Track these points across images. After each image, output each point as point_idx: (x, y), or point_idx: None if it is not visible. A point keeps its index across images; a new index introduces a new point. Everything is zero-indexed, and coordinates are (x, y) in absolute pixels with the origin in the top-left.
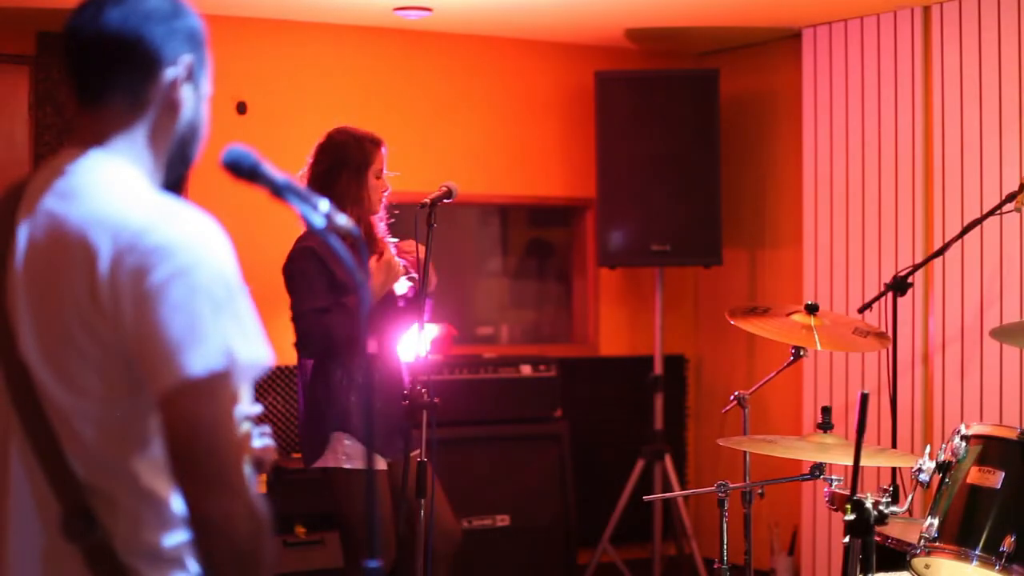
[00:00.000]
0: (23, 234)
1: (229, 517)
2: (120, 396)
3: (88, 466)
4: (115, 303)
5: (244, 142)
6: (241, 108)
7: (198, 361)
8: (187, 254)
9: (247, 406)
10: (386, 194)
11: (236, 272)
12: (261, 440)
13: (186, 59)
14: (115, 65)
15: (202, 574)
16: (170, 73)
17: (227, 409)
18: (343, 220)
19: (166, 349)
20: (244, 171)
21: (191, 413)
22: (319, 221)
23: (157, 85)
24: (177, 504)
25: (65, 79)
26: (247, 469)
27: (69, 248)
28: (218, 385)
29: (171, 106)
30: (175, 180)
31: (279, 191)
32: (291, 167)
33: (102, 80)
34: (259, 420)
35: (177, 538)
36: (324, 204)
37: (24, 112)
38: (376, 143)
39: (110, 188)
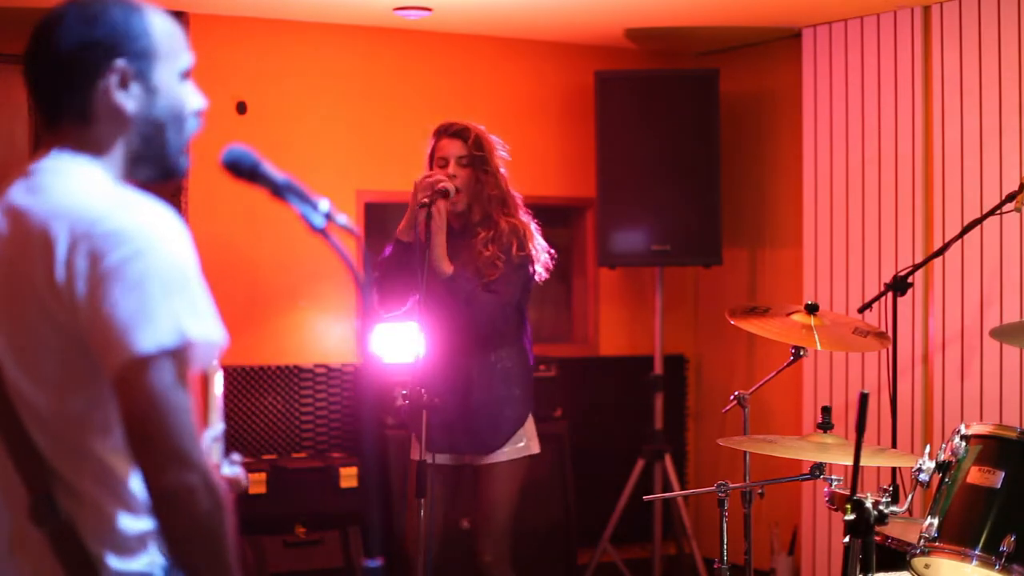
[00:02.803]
0: None
1: (187, 490)
2: (79, 383)
3: (52, 452)
4: (71, 288)
5: (244, 142)
6: (241, 108)
7: (148, 338)
8: (141, 239)
9: (214, 427)
10: (448, 182)
11: (191, 259)
12: (231, 469)
13: (117, 65)
14: (53, 91)
15: (167, 561)
16: (102, 84)
17: (179, 385)
18: (343, 219)
19: (117, 328)
20: (244, 171)
21: (143, 389)
22: (319, 221)
23: (94, 98)
24: (142, 491)
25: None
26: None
27: (30, 238)
28: (169, 361)
29: (114, 113)
30: (161, 171)
31: (279, 191)
32: (291, 167)
33: (48, 105)
34: (228, 449)
35: (142, 525)
36: (324, 204)
37: (24, 112)
38: (438, 133)
39: (71, 182)
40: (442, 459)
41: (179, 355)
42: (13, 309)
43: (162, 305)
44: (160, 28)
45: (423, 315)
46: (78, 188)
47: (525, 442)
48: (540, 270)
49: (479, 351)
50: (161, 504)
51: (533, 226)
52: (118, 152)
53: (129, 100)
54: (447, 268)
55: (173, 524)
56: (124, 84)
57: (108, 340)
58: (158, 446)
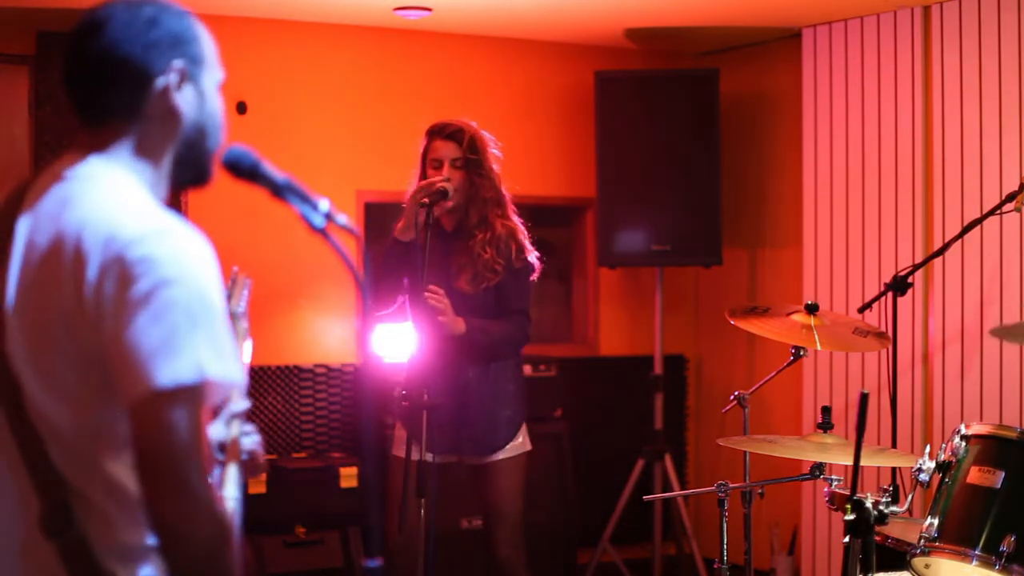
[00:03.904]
0: (22, 235)
1: (190, 525)
2: (97, 399)
3: (65, 463)
4: (98, 309)
5: (244, 142)
6: (241, 108)
7: (167, 373)
8: (171, 268)
9: (236, 403)
10: (445, 183)
11: (218, 291)
12: (250, 441)
13: (176, 65)
14: (106, 89)
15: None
16: (160, 83)
17: (193, 421)
18: (343, 219)
19: (138, 358)
20: (244, 171)
21: (156, 422)
22: (319, 221)
23: (150, 97)
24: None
25: (65, 97)
26: (231, 477)
27: (62, 252)
28: (185, 398)
29: (169, 114)
30: (194, 176)
31: (279, 191)
32: (291, 167)
33: (97, 103)
34: (247, 417)
35: (151, 539)
36: (324, 204)
37: (24, 112)
38: (432, 133)
39: (106, 196)
40: (440, 459)
41: (195, 391)
42: (40, 321)
43: (185, 340)
44: (205, 37)
45: (418, 315)
46: (113, 203)
47: (522, 439)
48: (535, 273)
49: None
50: (164, 537)
51: (523, 228)
52: (164, 154)
53: (183, 101)
54: (461, 328)
55: (175, 558)
56: (180, 85)
57: (128, 369)
58: (165, 479)
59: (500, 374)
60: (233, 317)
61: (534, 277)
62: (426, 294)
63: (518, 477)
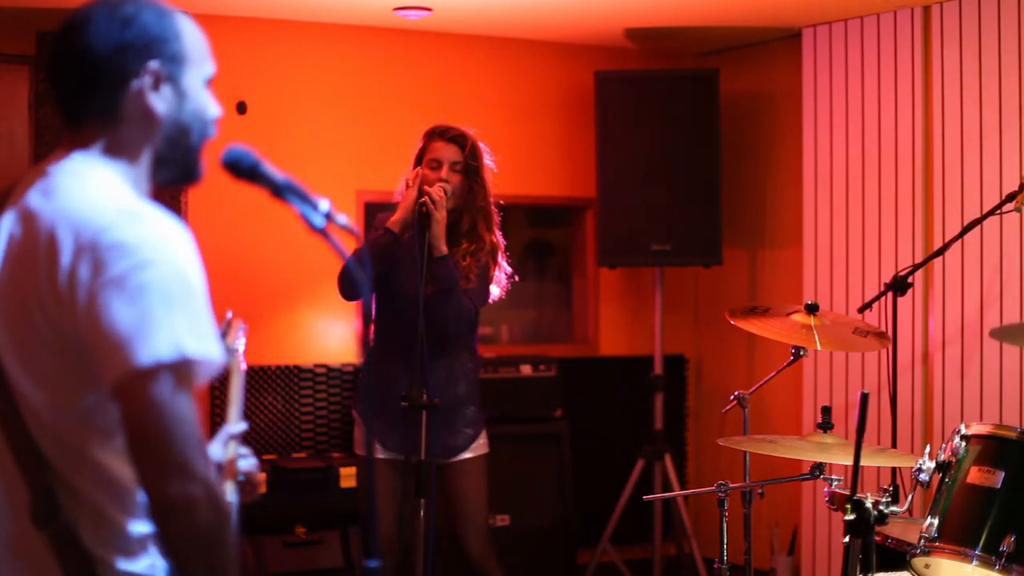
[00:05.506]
0: (4, 228)
1: (188, 501)
2: (80, 386)
3: (53, 452)
4: (72, 296)
5: (244, 142)
6: (241, 108)
7: (146, 351)
8: (144, 252)
9: (233, 424)
10: (443, 184)
11: (196, 273)
12: (247, 463)
13: (151, 67)
14: (81, 91)
15: (167, 564)
16: (135, 85)
17: (178, 398)
18: (343, 219)
19: (117, 341)
20: (244, 171)
21: (142, 400)
22: (319, 221)
23: (126, 99)
24: (142, 494)
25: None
26: (228, 486)
27: (38, 242)
28: (166, 375)
29: (146, 115)
30: (181, 173)
31: (279, 191)
32: (291, 167)
33: (75, 104)
34: (243, 440)
35: (142, 527)
36: (324, 204)
37: (24, 112)
38: (432, 135)
39: (84, 188)
40: (391, 456)
41: (176, 368)
42: (19, 310)
43: (162, 319)
44: (190, 33)
45: (386, 314)
46: (90, 194)
47: (483, 440)
48: (496, 292)
49: (444, 353)
50: (161, 514)
51: (503, 246)
52: (142, 154)
53: (160, 102)
54: (443, 248)
55: (173, 535)
56: (156, 86)
57: (107, 351)
58: (159, 457)
59: (461, 375)
60: (229, 353)
61: (498, 295)
62: (429, 188)
63: (482, 476)
